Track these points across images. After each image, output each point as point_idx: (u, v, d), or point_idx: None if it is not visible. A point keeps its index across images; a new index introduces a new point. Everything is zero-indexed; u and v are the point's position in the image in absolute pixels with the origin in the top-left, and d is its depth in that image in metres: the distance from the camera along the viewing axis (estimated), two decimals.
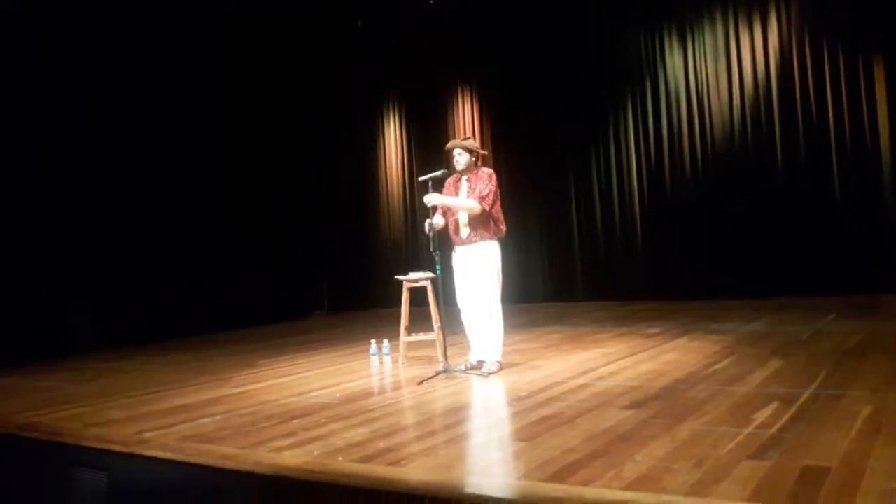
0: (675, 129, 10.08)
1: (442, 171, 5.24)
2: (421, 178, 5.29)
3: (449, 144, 5.33)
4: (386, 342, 6.18)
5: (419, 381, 4.82)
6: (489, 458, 3.06)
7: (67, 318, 9.29)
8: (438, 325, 5.97)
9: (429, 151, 12.35)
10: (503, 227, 5.27)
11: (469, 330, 5.31)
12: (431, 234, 5.15)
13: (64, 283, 9.43)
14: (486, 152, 5.55)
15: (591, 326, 7.68)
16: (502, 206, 5.35)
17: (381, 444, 3.37)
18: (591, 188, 10.98)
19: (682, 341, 5.99)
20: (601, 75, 10.72)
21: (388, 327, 8.36)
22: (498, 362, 5.13)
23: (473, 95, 12.32)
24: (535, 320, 8.92)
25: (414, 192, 13.12)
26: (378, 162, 13.71)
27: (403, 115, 13.36)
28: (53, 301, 9.25)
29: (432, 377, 4.94)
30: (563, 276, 11.21)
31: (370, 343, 6.20)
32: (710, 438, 3.05)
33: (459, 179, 5.29)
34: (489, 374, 4.97)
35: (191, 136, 11.05)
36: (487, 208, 5.08)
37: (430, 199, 5.10)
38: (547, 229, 11.44)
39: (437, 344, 5.97)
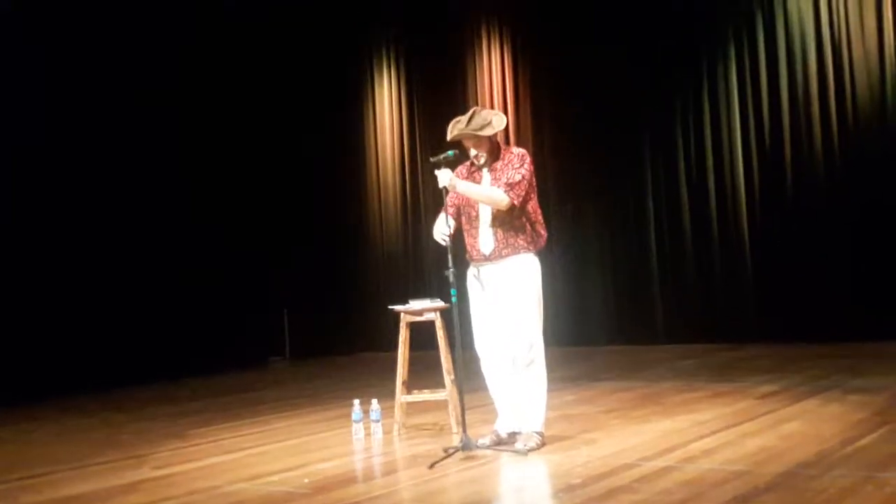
0: (801, 94, 10.08)
1: (453, 151, 5.24)
2: (433, 159, 5.28)
3: (453, 133, 5.21)
4: (375, 403, 6.19)
5: (431, 463, 4.81)
6: None
7: None
8: (452, 377, 5.97)
9: (438, 124, 12.38)
10: (543, 234, 5.27)
11: (494, 388, 5.30)
12: (447, 241, 5.16)
13: None
14: (504, 123, 5.45)
15: (677, 381, 7.60)
16: (541, 203, 5.35)
17: None
18: (675, 181, 11.00)
19: (809, 404, 5.92)
20: (691, 13, 10.75)
21: (378, 381, 8.35)
22: (539, 434, 5.13)
23: (504, 42, 12.38)
24: (595, 372, 8.87)
25: (417, 181, 13.16)
26: (366, 141, 13.78)
27: (402, 74, 13.44)
28: None
29: (448, 456, 4.94)
30: (636, 307, 11.21)
31: (352, 405, 6.21)
32: None
33: (479, 169, 5.30)
34: (528, 451, 4.98)
35: (105, 117, 11.46)
36: (517, 202, 5.08)
37: (446, 177, 5.10)
38: (611, 240, 11.46)
39: (451, 406, 5.97)
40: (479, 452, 5.04)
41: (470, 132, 5.14)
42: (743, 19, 10.46)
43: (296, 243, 13.81)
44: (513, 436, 5.19)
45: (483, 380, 5.36)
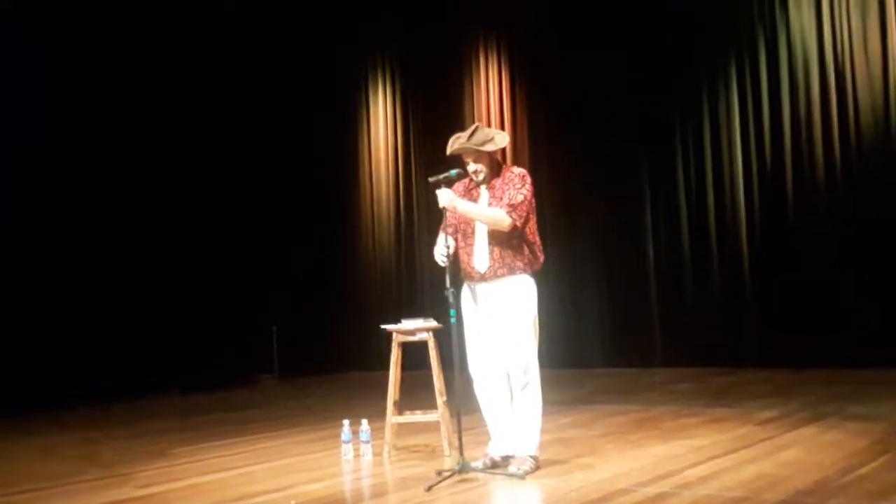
0: (802, 113, 10.10)
1: (456, 171, 5.25)
2: (432, 179, 5.28)
3: (453, 147, 5.21)
4: (365, 424, 6.17)
5: (427, 486, 4.78)
6: None
7: None
8: (444, 398, 5.95)
9: (435, 142, 12.39)
10: (541, 256, 5.27)
11: (488, 410, 5.28)
12: (446, 262, 5.14)
13: None
14: (507, 140, 5.46)
15: (674, 406, 7.60)
16: (539, 224, 5.35)
17: None
18: (674, 202, 11.01)
19: (808, 431, 5.91)
20: (692, 31, 10.81)
21: (368, 401, 8.33)
22: (533, 458, 5.11)
23: (501, 60, 12.43)
24: (590, 395, 8.86)
25: (411, 199, 13.17)
26: (360, 157, 13.80)
27: (398, 90, 13.48)
28: None
29: (444, 479, 4.91)
30: (633, 330, 11.20)
31: (342, 425, 6.18)
32: None
33: (476, 186, 5.30)
34: (524, 474, 4.95)
35: (90, 132, 11.52)
36: (520, 224, 5.09)
37: (447, 199, 5.10)
38: (608, 260, 11.46)
39: (443, 428, 5.95)
40: (472, 475, 5.02)
41: (471, 147, 5.14)
42: (745, 38, 10.49)
43: (288, 260, 13.79)
44: (506, 459, 5.17)
45: (476, 402, 5.34)
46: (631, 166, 11.29)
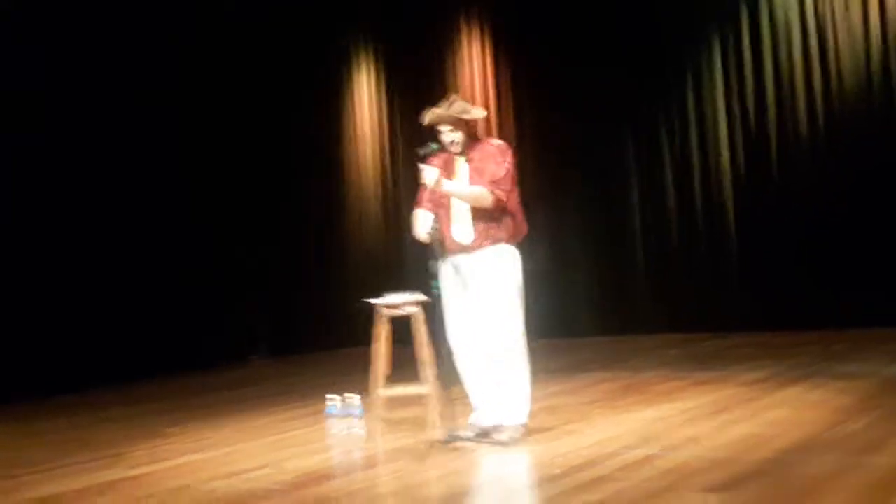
0: (785, 81, 10.08)
1: (435, 144, 5.23)
2: (421, 151, 5.23)
3: (427, 118, 5.21)
4: (356, 398, 6.19)
5: (420, 453, 4.82)
6: None
7: None
8: (434, 370, 5.96)
9: (417, 119, 12.31)
10: (524, 226, 5.27)
11: (469, 381, 5.29)
12: (434, 235, 5.13)
13: None
14: (484, 113, 5.45)
15: (661, 371, 7.63)
16: (522, 194, 5.34)
17: None
18: (659, 169, 11.01)
19: (794, 391, 5.95)
20: (675, 2, 10.77)
21: (356, 376, 8.33)
22: (524, 426, 5.13)
23: (485, 35, 12.38)
24: (579, 363, 8.89)
25: (397, 174, 13.15)
26: (344, 133, 13.75)
27: (382, 67, 13.41)
28: None
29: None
30: (621, 297, 11.23)
31: (332, 400, 6.20)
32: None
33: (454, 160, 5.28)
34: (512, 441, 4.98)
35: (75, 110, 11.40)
36: (503, 197, 5.08)
37: (432, 177, 5.05)
38: (595, 230, 11.47)
39: (433, 399, 5.97)
40: (460, 445, 5.05)
41: (449, 115, 5.12)
42: (728, 3, 10.46)
43: (275, 239, 13.76)
44: (496, 428, 5.18)
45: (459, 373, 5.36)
46: (616, 137, 11.25)
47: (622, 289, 11.24)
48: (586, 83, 11.20)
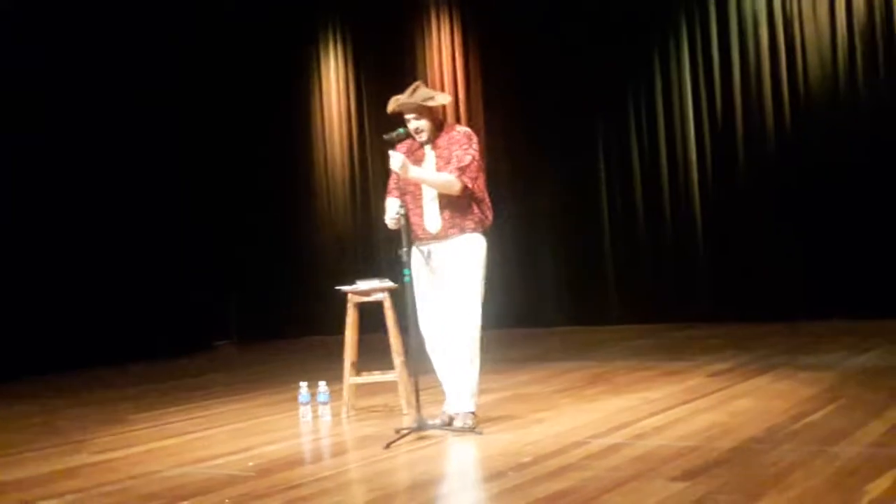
0: (752, 70, 10.18)
1: (404, 128, 5.22)
2: (386, 137, 5.26)
3: (391, 106, 5.21)
4: (323, 385, 6.18)
5: (386, 443, 4.80)
6: None
7: None
8: (402, 358, 5.96)
9: (386, 104, 12.31)
10: (490, 214, 5.27)
11: (441, 369, 5.28)
12: (401, 223, 5.11)
13: None
14: (449, 99, 5.44)
15: (629, 361, 7.68)
16: (490, 182, 5.34)
17: None
18: (627, 159, 11.07)
19: (761, 381, 6.01)
20: None
21: (327, 364, 8.33)
22: (471, 414, 5.13)
23: (454, 21, 12.36)
24: (547, 352, 8.93)
25: (365, 161, 13.12)
26: (312, 120, 13.70)
27: (350, 53, 13.36)
28: None
29: (402, 437, 4.93)
30: (589, 288, 11.28)
31: (299, 387, 6.19)
32: None
33: (420, 147, 5.27)
34: (474, 428, 4.99)
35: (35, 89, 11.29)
36: (471, 185, 5.08)
37: (399, 163, 5.05)
38: (563, 219, 11.50)
39: (401, 387, 5.98)
40: (430, 433, 5.05)
41: (413, 102, 5.11)
42: None
43: (242, 224, 13.69)
44: (451, 418, 5.18)
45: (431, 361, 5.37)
46: (584, 126, 11.28)
47: (589, 279, 11.29)
48: (555, 71, 11.26)
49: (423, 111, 5.14)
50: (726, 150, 10.35)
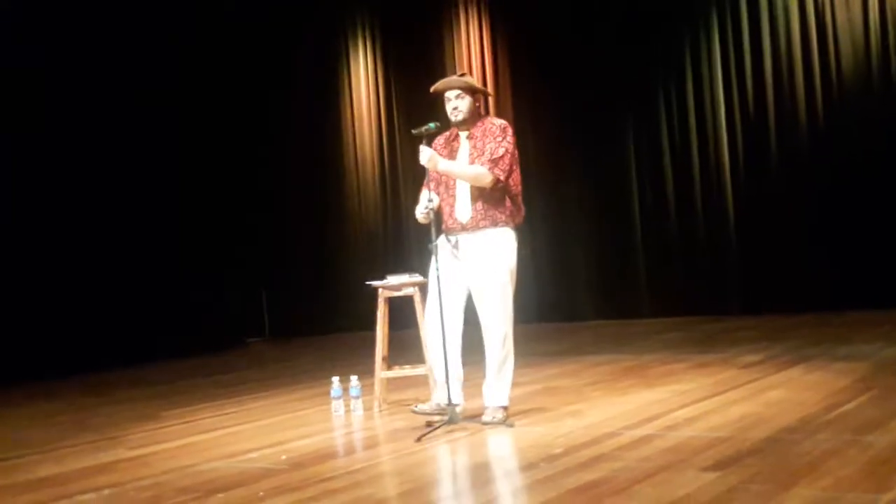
0: (784, 60, 10.12)
1: (434, 123, 5.24)
2: (415, 132, 5.29)
3: (437, 84, 5.30)
4: (354, 380, 6.21)
5: (418, 436, 4.82)
6: None
7: None
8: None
9: (416, 98, 12.34)
10: (522, 208, 5.28)
11: (450, 357, 5.17)
12: (430, 217, 5.13)
13: None
14: (490, 93, 5.52)
15: (661, 353, 7.67)
16: (524, 178, 5.35)
17: None
18: (658, 151, 11.03)
19: (794, 373, 5.99)
20: None
21: (358, 358, 8.37)
22: (505, 409, 5.13)
23: (482, 16, 12.36)
24: (579, 346, 8.93)
25: (395, 156, 13.15)
26: (342, 116, 13.75)
27: (379, 48, 13.40)
28: None
29: (435, 429, 4.95)
30: (621, 281, 11.26)
31: (331, 382, 6.22)
32: None
33: (456, 137, 5.30)
34: (499, 422, 4.99)
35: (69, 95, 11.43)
36: (502, 177, 5.08)
37: (427, 158, 5.09)
38: (594, 214, 11.48)
39: (432, 380, 5.99)
40: (462, 425, 5.06)
41: (455, 80, 5.24)
42: None
43: (274, 221, 13.77)
44: (486, 410, 5.16)
45: (480, 353, 5.32)
46: (615, 119, 11.27)
47: (621, 272, 11.28)
48: (584, 64, 11.24)
49: (467, 90, 5.22)
50: (758, 140, 10.29)
